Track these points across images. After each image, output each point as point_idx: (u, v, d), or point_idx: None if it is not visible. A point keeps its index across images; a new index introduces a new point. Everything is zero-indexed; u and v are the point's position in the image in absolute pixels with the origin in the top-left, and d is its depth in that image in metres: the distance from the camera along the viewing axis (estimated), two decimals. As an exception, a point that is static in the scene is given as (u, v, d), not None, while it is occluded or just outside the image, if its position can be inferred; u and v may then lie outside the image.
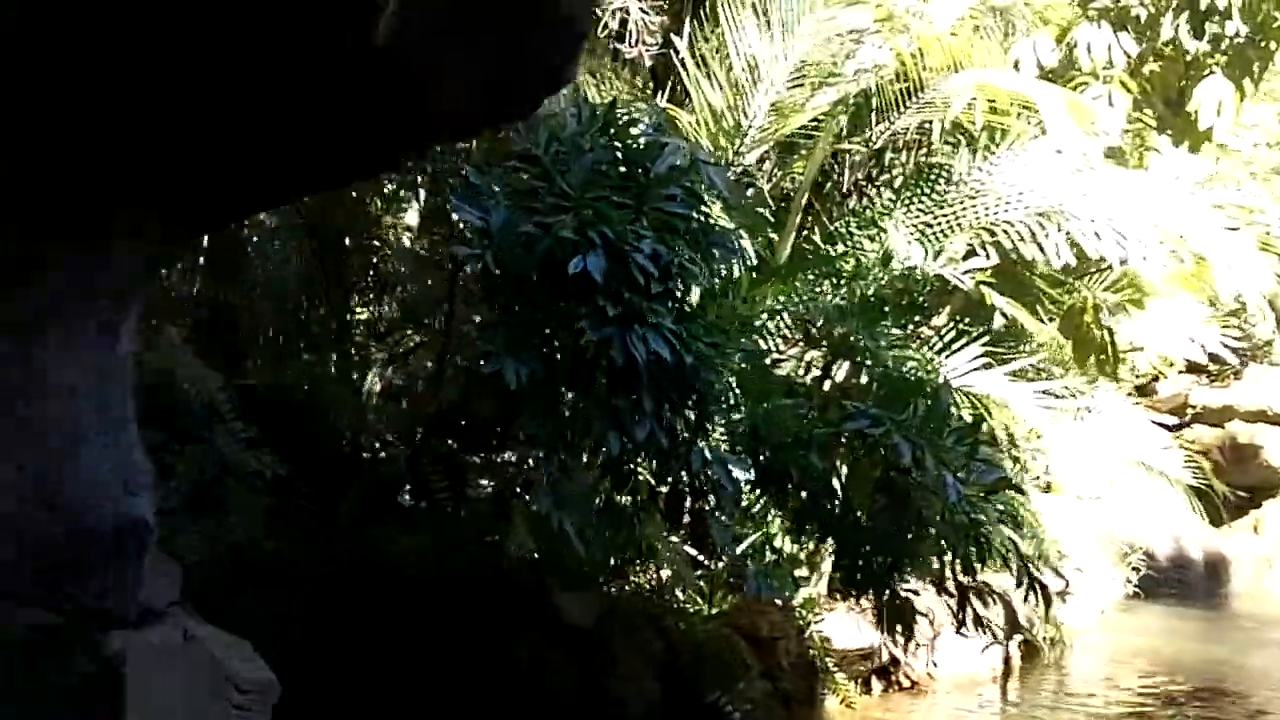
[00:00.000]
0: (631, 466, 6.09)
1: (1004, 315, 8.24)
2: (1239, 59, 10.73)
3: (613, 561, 7.46)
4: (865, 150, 8.88)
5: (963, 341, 8.33)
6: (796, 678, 8.25)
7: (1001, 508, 11.64)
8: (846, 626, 9.05)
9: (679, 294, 6.22)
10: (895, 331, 7.67)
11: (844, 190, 8.88)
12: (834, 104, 8.59)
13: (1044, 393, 8.70)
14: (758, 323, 7.27)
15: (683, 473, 6.07)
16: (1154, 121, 11.13)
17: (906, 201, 8.28)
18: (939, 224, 8.06)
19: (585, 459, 6.09)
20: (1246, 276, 8.56)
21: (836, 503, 6.58)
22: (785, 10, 8.49)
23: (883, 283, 7.66)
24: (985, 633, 9.42)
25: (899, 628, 8.91)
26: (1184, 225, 8.20)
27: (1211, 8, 10.41)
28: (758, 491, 6.95)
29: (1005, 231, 7.92)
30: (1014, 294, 9.36)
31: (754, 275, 7.76)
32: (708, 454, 6.07)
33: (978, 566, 9.91)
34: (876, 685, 9.24)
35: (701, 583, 8.25)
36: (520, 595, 7.09)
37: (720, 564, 8.30)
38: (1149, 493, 19.10)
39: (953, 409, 7.89)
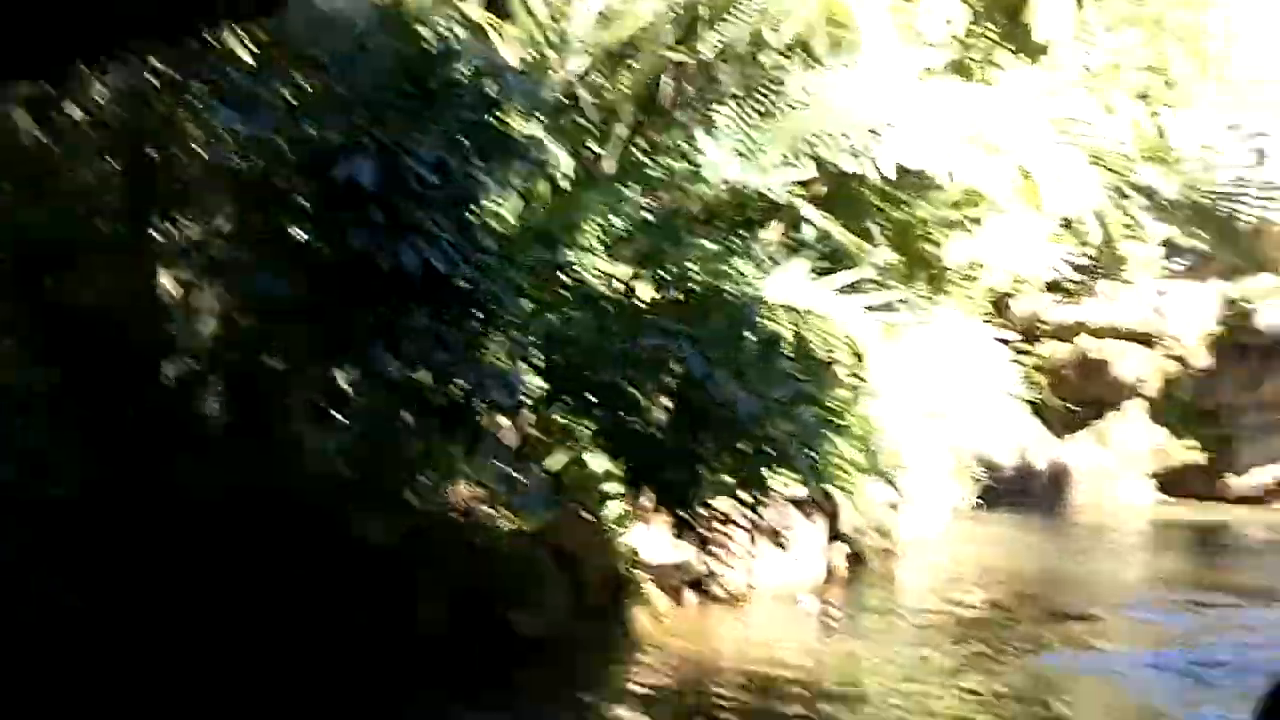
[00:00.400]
0: (410, 379, 5.85)
1: (815, 228, 8.08)
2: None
3: (419, 480, 7.26)
4: (694, 61, 8.63)
5: (791, 258, 8.23)
6: (602, 592, 8.20)
7: (838, 421, 11.80)
8: (660, 541, 8.99)
9: (464, 204, 5.99)
10: (710, 245, 7.50)
11: (672, 102, 8.63)
12: (661, 14, 8.32)
13: (872, 307, 8.61)
14: (560, 235, 7.03)
15: (462, 386, 5.85)
16: (995, 35, 11.02)
17: (731, 113, 8.07)
18: (763, 137, 7.85)
19: (363, 375, 5.85)
20: (1075, 191, 8.51)
21: (633, 418, 6.43)
22: (613, -85, 8.18)
23: (703, 195, 7.47)
24: (793, 545, 9.51)
25: (709, 542, 8.95)
26: (1014, 139, 8.11)
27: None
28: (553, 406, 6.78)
29: (828, 145, 7.75)
30: (848, 211, 9.26)
31: (570, 187, 7.52)
32: (488, 367, 5.86)
33: (781, 478, 10.08)
34: (692, 598, 9.23)
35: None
36: (317, 517, 6.87)
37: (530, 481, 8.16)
38: (995, 407, 19.58)
39: (766, 324, 7.82)
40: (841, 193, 8.68)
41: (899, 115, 7.73)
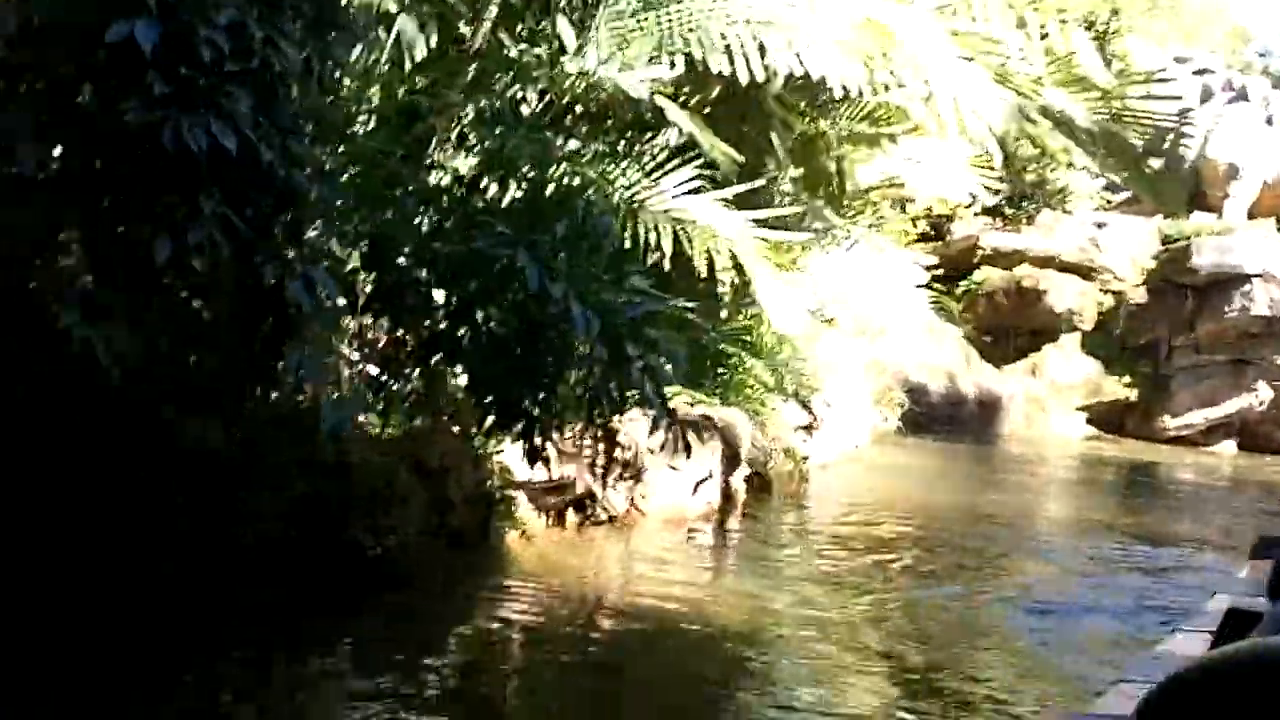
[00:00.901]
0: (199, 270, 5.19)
1: (680, 131, 7.47)
2: None
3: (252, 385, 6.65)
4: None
5: (674, 164, 7.63)
6: (467, 511, 7.69)
7: (746, 339, 11.31)
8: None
9: (267, 78, 5.33)
10: (575, 145, 6.89)
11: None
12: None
13: (761, 221, 8.02)
14: (398, 121, 6.38)
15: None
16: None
17: (604, 6, 7.37)
18: (633, 30, 7.17)
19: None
20: (981, 111, 7.98)
21: (465, 330, 5.85)
22: None
23: (563, 88, 6.83)
24: (686, 467, 9.02)
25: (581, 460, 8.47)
26: (915, 51, 7.52)
27: None
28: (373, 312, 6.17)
29: (702, 43, 7.09)
30: (747, 120, 8.68)
31: (413, 68, 6.80)
32: (296, 267, 5.24)
33: (687, 397, 9.58)
34: (572, 519, 8.73)
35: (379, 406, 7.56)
36: (131, 416, 6.27)
37: (400, 384, 7.61)
38: (912, 330, 19.17)
39: (641, 233, 7.26)
40: (736, 99, 8.06)
41: (783, 15, 7.05)
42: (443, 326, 5.87)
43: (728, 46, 6.98)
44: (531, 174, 6.26)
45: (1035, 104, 8.07)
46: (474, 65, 6.77)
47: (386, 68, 6.16)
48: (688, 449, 8.23)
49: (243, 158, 4.86)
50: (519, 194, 6.21)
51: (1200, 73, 21.63)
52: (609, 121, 8.03)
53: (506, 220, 5.76)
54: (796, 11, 7.07)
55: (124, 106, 4.68)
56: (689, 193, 7.57)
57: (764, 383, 11.18)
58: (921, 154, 10.60)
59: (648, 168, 7.55)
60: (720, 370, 11.00)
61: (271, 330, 5.40)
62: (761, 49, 7.02)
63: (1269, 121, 20.88)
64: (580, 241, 5.81)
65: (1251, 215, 19.63)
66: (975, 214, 21.02)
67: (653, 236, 7.23)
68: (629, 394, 6.05)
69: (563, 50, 6.98)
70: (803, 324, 8.10)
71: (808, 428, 11.99)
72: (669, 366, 6.09)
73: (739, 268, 7.27)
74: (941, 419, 17.83)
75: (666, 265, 7.21)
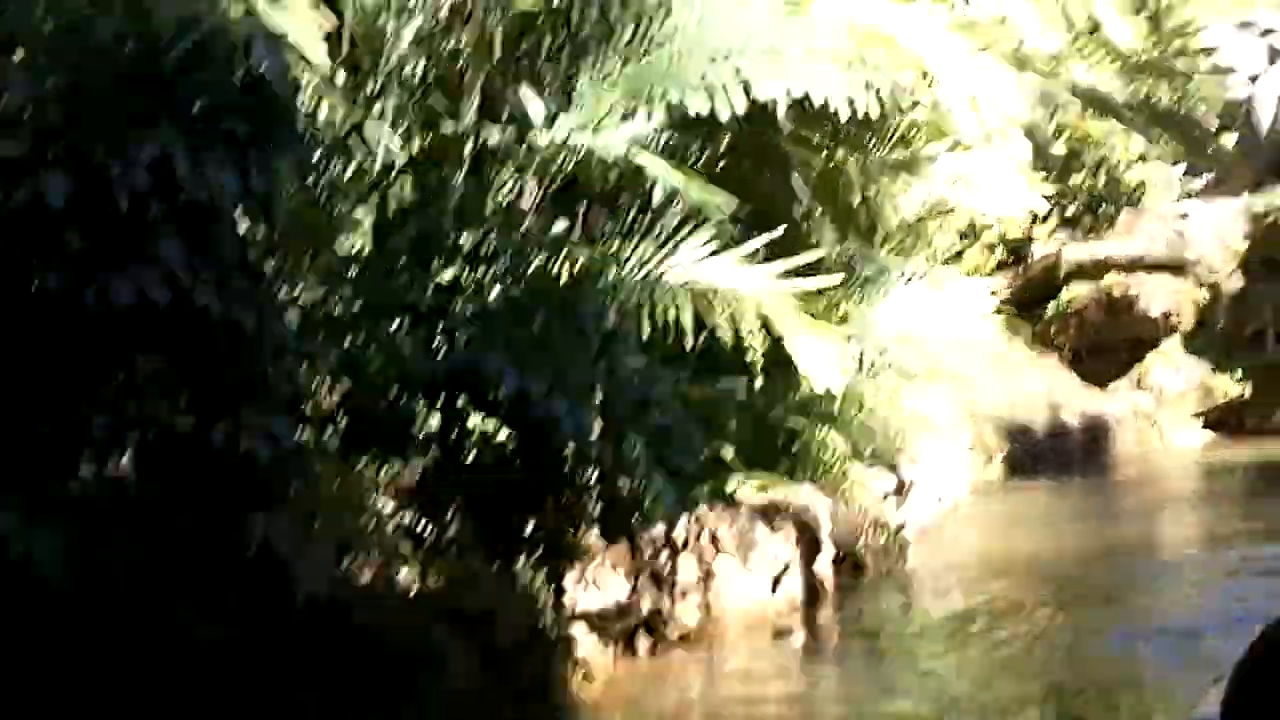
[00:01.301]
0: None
1: (664, 186, 6.48)
2: None
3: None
4: (546, 12, 7.10)
5: (686, 231, 6.72)
6: (521, 658, 6.71)
7: (817, 408, 10.26)
8: (601, 579, 7.48)
9: (198, 214, 4.58)
10: (559, 226, 6.00)
11: (518, 58, 7.08)
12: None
13: (789, 273, 7.01)
14: (356, 242, 5.51)
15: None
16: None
17: (586, 66, 6.51)
18: (594, 85, 6.25)
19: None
20: (999, 101, 6.91)
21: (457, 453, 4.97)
22: None
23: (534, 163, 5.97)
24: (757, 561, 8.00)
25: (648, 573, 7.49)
26: (916, 51, 6.52)
27: None
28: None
29: (676, 85, 6.16)
30: (764, 165, 7.75)
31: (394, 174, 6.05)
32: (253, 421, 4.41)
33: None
34: (643, 643, 7.70)
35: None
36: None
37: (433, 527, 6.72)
38: (1016, 363, 17.92)
39: (661, 311, 6.34)
40: (747, 146, 7.14)
41: (767, 39, 6.08)
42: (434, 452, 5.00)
43: (708, 86, 6.07)
44: (511, 265, 5.40)
45: (1062, 82, 7.01)
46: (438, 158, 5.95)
47: (352, 178, 5.36)
48: (759, 540, 7.25)
49: (178, 306, 4.10)
50: (498, 288, 5.35)
51: (1267, 33, 20.26)
52: (621, 197, 7.16)
53: (483, 320, 4.90)
54: (782, 33, 6.13)
55: (42, 274, 4.00)
56: (710, 255, 6.66)
57: (842, 452, 10.13)
58: (968, 170, 9.59)
59: (660, 238, 6.64)
60: (792, 446, 9.98)
61: (236, 498, 4.58)
62: (746, 85, 6.12)
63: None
64: (566, 331, 4.91)
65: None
66: (1050, 230, 19.82)
67: (671, 313, 6.30)
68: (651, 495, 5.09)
69: (529, 124, 6.14)
70: (839, 377, 7.03)
71: (898, 492, 10.87)
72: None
73: (768, 328, 6.30)
74: (1047, 455, 16.52)
75: (691, 341, 6.28)
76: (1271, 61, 19.23)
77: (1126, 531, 11.30)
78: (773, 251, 7.29)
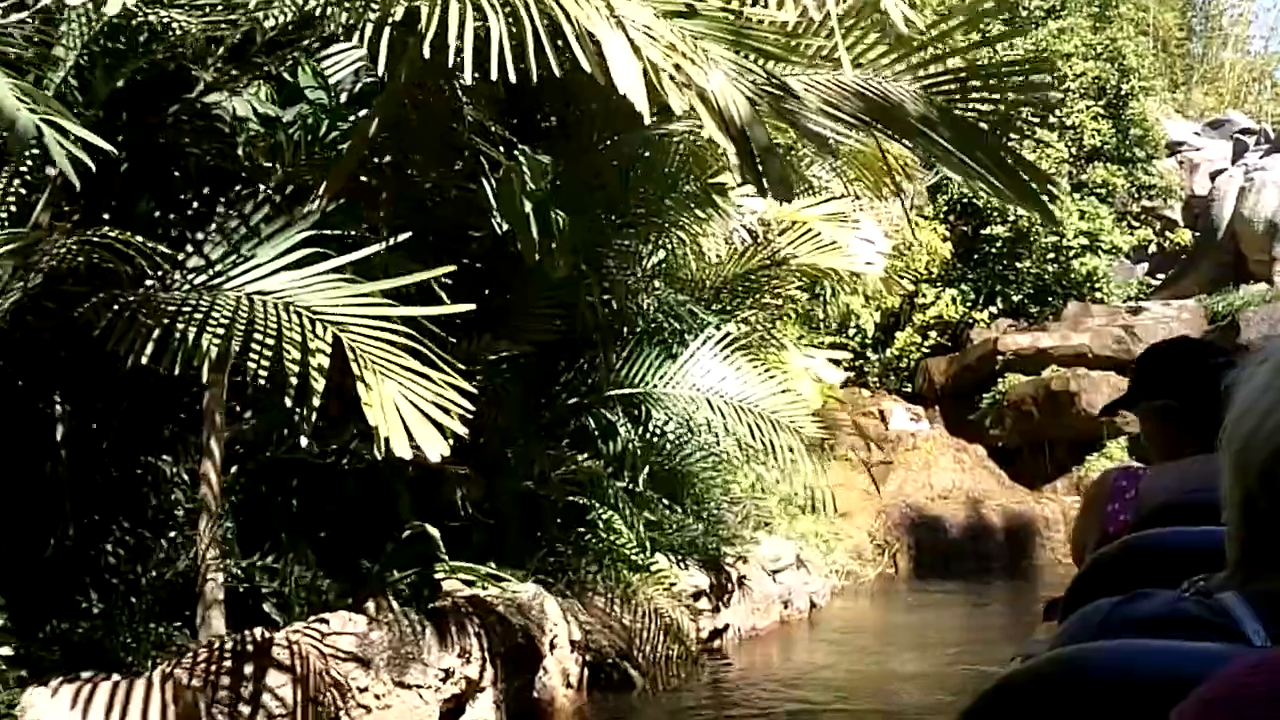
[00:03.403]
0: None
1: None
2: None
3: None
4: None
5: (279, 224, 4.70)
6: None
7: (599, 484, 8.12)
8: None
9: None
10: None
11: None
12: None
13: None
14: None
15: None
16: None
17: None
18: None
19: None
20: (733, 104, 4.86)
21: None
22: None
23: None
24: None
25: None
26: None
27: None
28: None
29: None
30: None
31: None
32: None
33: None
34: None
35: None
36: None
37: None
38: (943, 454, 15.67)
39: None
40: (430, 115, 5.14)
41: None
42: None
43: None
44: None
45: (817, 84, 4.89)
46: None
47: None
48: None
49: None
50: None
51: (1244, 133, 18.20)
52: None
53: None
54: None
55: None
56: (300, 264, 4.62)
57: (640, 541, 8.01)
58: (796, 215, 7.54)
59: (234, 239, 4.64)
60: (577, 530, 7.89)
61: None
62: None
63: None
64: None
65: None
66: (991, 315, 17.64)
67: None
68: None
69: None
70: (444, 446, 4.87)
71: (715, 594, 8.70)
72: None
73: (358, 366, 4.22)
74: (965, 555, 14.26)
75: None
76: (1236, 156, 17.11)
77: (1002, 655, 8.99)
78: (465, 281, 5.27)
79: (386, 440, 4.12)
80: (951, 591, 12.30)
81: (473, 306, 4.44)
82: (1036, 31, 16.41)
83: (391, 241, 4.63)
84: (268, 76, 5.68)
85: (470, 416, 4.29)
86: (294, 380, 4.23)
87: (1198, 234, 17.32)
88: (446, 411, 4.32)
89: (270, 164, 5.04)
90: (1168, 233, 17.45)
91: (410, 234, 4.66)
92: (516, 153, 4.89)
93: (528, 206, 4.74)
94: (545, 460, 7.49)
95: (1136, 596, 1.00)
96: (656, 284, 7.72)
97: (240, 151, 5.08)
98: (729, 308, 8.05)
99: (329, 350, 4.29)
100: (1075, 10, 17.05)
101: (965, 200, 16.92)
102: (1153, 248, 17.58)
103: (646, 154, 6.38)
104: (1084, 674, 0.91)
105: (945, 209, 17.17)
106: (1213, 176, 17.25)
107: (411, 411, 4.27)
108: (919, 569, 13.77)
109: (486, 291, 6.88)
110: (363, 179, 5.30)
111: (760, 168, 4.37)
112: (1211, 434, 0.97)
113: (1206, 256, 16.84)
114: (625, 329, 7.47)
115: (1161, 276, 18.19)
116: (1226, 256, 16.16)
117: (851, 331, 16.09)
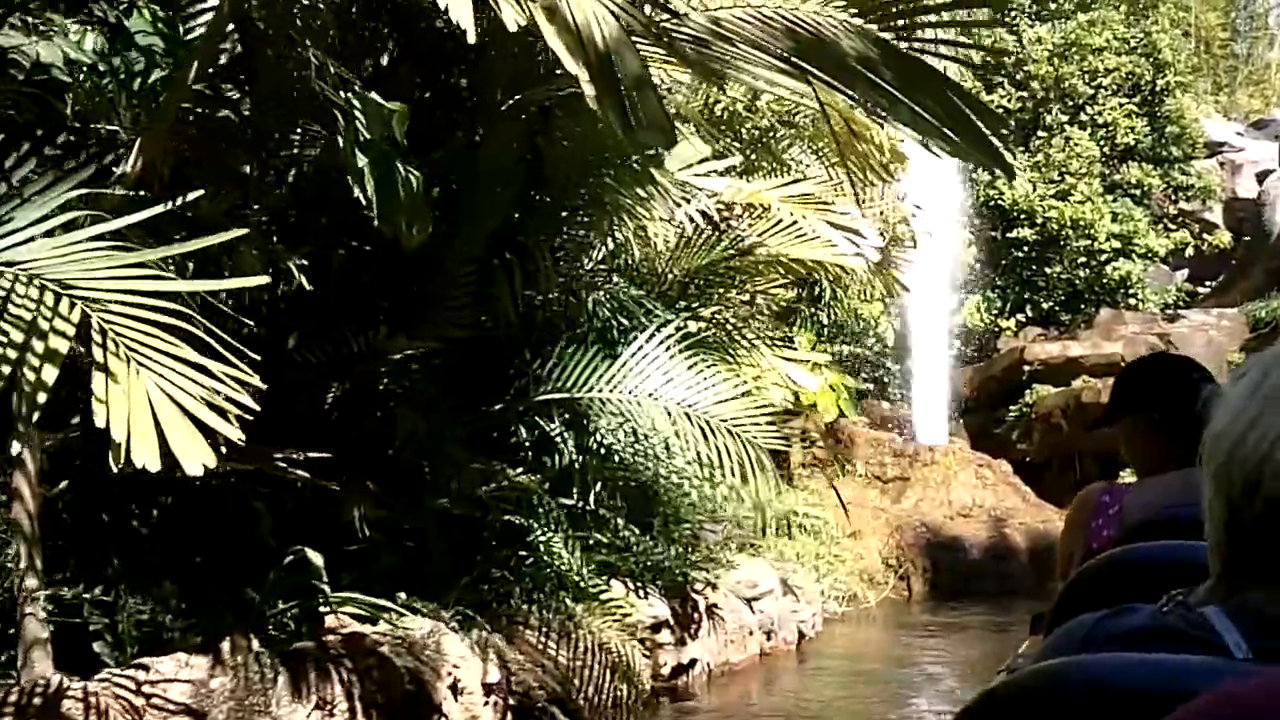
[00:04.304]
0: None
1: None
2: None
3: None
4: None
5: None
6: None
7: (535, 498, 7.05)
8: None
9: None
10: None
11: None
12: None
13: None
14: None
15: None
16: None
17: None
18: None
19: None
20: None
21: None
22: None
23: None
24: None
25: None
26: None
27: None
28: None
29: None
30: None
31: None
32: None
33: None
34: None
35: None
36: None
37: None
38: (964, 469, 14.40)
39: None
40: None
41: None
42: None
43: None
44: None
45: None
46: None
47: None
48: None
49: None
50: None
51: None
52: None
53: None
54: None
55: None
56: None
57: (587, 566, 6.94)
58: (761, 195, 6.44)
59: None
60: (517, 554, 6.82)
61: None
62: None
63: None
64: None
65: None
66: (1019, 323, 16.36)
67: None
68: None
69: None
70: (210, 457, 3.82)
71: (680, 625, 7.59)
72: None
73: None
74: (985, 576, 12.98)
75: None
76: (1283, 154, 15.73)
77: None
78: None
79: (124, 447, 3.09)
80: (969, 616, 11.07)
81: (265, 280, 3.40)
82: (1065, 25, 15.15)
83: (181, 201, 3.61)
84: (102, 22, 4.74)
85: (249, 418, 3.25)
86: (5, 370, 3.22)
87: (1245, 238, 15.92)
88: (222, 413, 3.29)
89: (68, 114, 4.04)
90: (1205, 235, 16.05)
91: (201, 192, 3.63)
92: (350, 96, 3.89)
93: (361, 160, 3.73)
94: (470, 474, 6.43)
95: (1120, 611, 1.01)
96: (604, 275, 6.65)
97: (32, 101, 4.09)
98: (692, 304, 6.95)
99: (70, 333, 3.28)
100: (1107, 3, 15.75)
101: (992, 202, 15.68)
102: (1190, 251, 16.19)
103: (562, 116, 5.32)
104: (1067, 687, 0.92)
105: (970, 210, 15.93)
106: (1260, 178, 15.84)
107: (171, 411, 3.24)
108: (935, 592, 12.52)
109: (392, 281, 5.87)
110: (193, 134, 4.28)
111: (628, 104, 3.32)
112: (1193, 448, 0.96)
113: (1257, 262, 15.42)
114: (564, 325, 6.40)
115: (1208, 284, 16.76)
116: (1276, 262, 14.76)
117: (870, 340, 14.94)
